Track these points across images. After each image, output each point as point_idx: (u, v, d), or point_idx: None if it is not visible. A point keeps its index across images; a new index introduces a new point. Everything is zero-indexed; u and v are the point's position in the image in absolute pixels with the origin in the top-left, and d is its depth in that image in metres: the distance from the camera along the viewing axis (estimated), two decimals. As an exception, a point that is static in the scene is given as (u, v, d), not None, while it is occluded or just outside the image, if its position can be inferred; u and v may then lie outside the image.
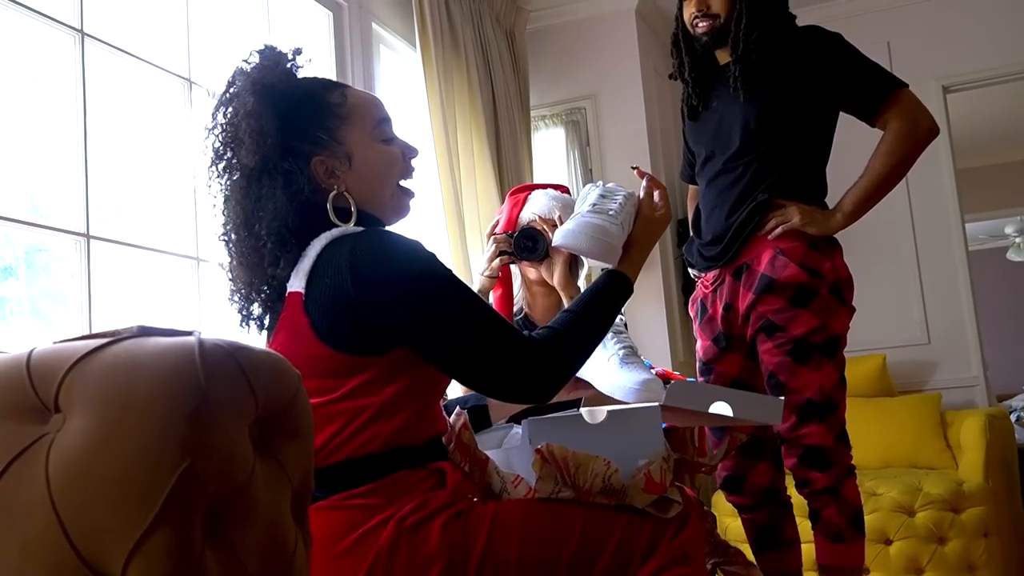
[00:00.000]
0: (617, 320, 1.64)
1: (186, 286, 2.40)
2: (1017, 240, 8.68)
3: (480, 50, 3.67)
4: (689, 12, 2.32)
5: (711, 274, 2.35)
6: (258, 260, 1.37)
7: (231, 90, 1.38)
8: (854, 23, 4.52)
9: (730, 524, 3.55)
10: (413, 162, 1.50)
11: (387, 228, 1.44)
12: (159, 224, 2.39)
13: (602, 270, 1.56)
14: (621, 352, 1.73)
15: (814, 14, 4.53)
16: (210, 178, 1.40)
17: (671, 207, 1.66)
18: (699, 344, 2.43)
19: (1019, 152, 7.58)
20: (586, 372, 1.73)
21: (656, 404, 1.52)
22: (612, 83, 4.29)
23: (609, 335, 1.73)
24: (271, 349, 1.02)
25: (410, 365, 1.32)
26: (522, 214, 2.20)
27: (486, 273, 2.13)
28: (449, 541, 1.26)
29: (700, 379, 2.40)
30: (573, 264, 2.19)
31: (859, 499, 2.19)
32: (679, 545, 1.34)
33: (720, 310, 2.30)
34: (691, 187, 2.60)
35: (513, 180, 3.67)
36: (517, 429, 1.56)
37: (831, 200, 2.29)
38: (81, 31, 2.16)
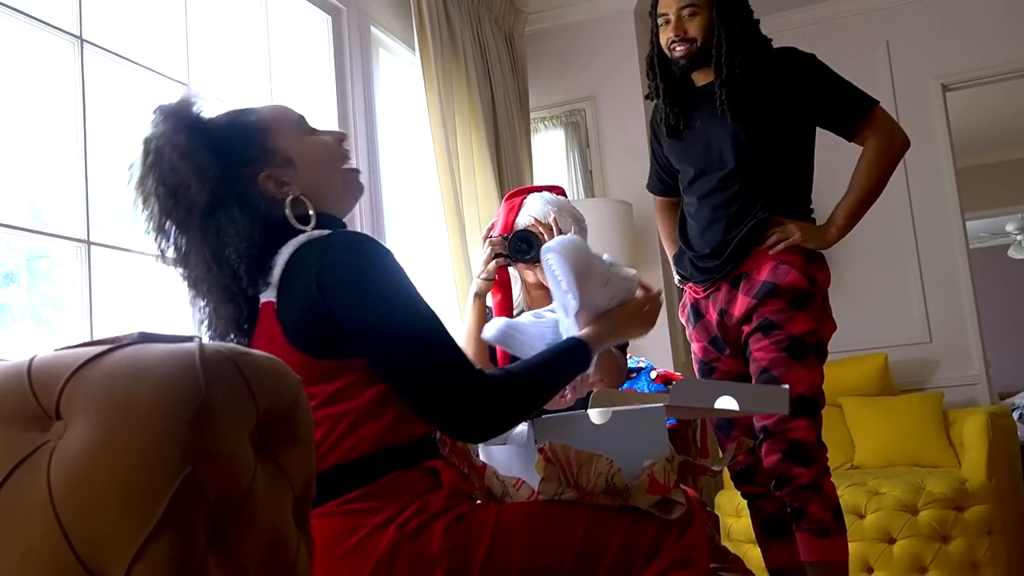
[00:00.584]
0: None
1: (187, 292, 2.40)
2: (1018, 237, 8.68)
3: (479, 53, 3.67)
4: (666, 36, 2.41)
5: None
6: (237, 289, 1.36)
7: (153, 146, 1.35)
8: (853, 23, 4.53)
9: (733, 524, 3.56)
10: (344, 145, 1.50)
11: (356, 231, 1.43)
12: None
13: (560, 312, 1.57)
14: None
15: (813, 13, 4.54)
16: (166, 239, 1.37)
17: (655, 317, 1.66)
18: (695, 346, 2.56)
19: (1020, 150, 7.58)
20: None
21: (661, 405, 1.53)
22: (611, 84, 4.30)
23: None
24: None
25: None
26: (518, 218, 2.24)
27: (482, 276, 2.15)
28: (451, 544, 1.26)
29: (700, 379, 2.48)
30: None
31: (836, 495, 2.27)
32: (682, 548, 1.34)
33: (715, 315, 2.41)
34: (659, 198, 2.76)
35: (513, 182, 3.67)
36: (522, 427, 1.56)
37: (818, 213, 2.43)
38: (80, 37, 2.16)
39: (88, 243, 2.09)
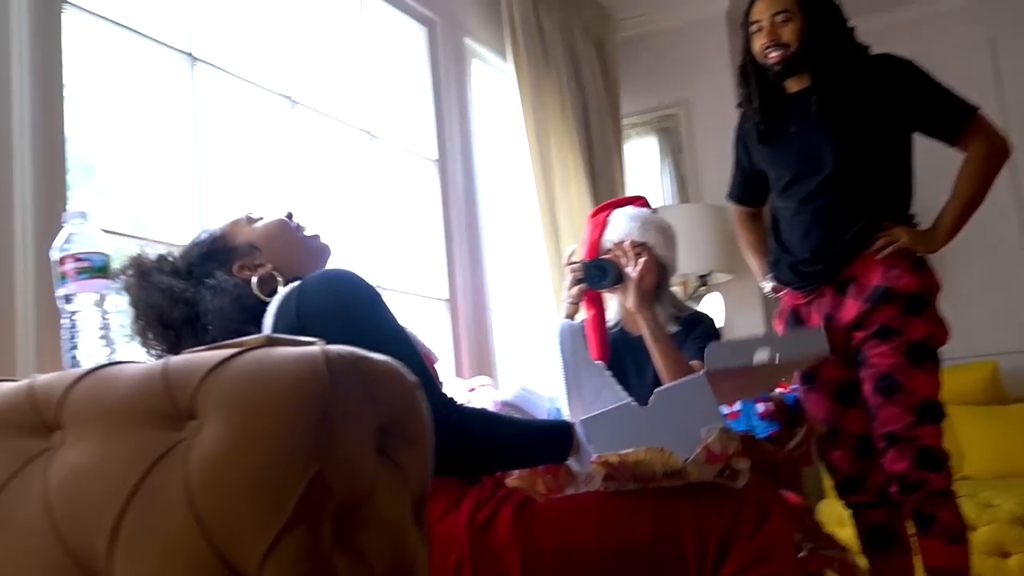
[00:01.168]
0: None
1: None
2: None
3: (570, 60, 3.68)
4: (760, 43, 2.41)
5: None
6: None
7: (128, 293, 1.45)
8: (952, 23, 4.38)
9: (836, 534, 3.47)
10: (293, 219, 1.59)
11: (333, 268, 1.51)
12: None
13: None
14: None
15: (912, 12, 4.42)
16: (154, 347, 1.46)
17: None
18: None
19: None
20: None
21: (701, 373, 1.53)
22: (705, 89, 4.25)
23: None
24: None
25: None
26: (603, 239, 2.31)
27: (568, 301, 2.26)
28: (520, 531, 1.31)
29: (801, 386, 2.42)
30: (661, 282, 2.29)
31: None
32: (761, 541, 1.34)
33: (819, 321, 2.36)
34: (739, 209, 2.75)
35: (605, 189, 3.67)
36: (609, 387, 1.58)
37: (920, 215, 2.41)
38: (191, 55, 2.25)
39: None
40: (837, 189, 2.34)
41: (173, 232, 2.20)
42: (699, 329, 2.31)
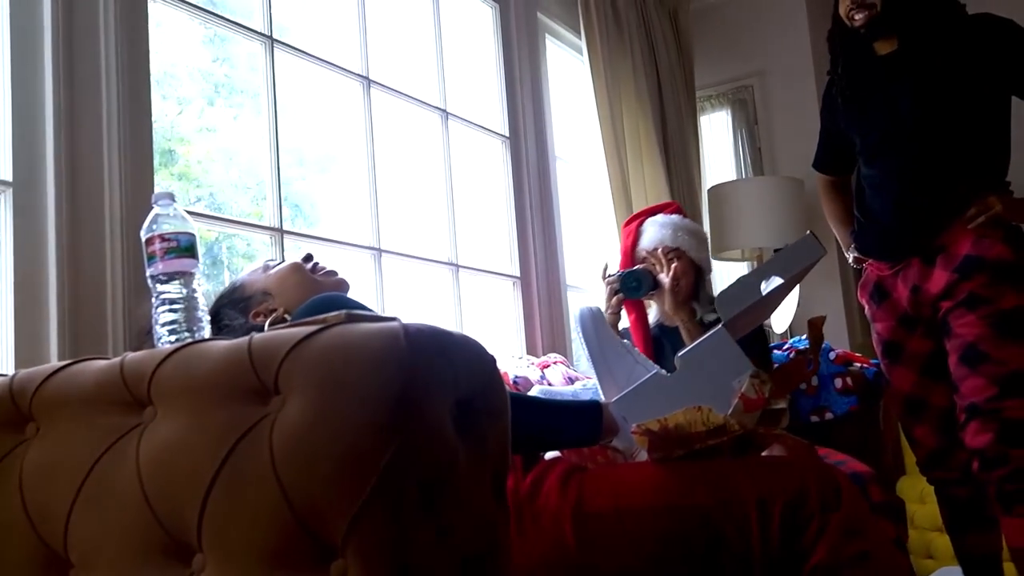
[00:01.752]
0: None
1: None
2: None
3: (644, 33, 3.63)
4: (845, 5, 2.31)
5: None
6: None
7: None
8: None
9: (917, 511, 3.39)
10: (308, 261, 1.65)
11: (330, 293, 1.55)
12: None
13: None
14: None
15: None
16: None
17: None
18: (879, 326, 2.40)
19: None
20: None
21: (720, 327, 1.55)
22: (781, 59, 4.16)
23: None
24: None
25: None
26: (637, 248, 2.45)
27: (608, 311, 2.33)
28: (572, 495, 1.34)
29: (884, 359, 2.37)
30: (698, 282, 2.43)
31: None
32: (846, 517, 1.33)
33: (906, 292, 2.28)
34: (823, 178, 2.62)
35: (680, 165, 3.63)
36: (639, 365, 1.59)
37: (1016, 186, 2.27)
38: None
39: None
40: (928, 155, 2.25)
41: (250, 215, 2.25)
42: None
